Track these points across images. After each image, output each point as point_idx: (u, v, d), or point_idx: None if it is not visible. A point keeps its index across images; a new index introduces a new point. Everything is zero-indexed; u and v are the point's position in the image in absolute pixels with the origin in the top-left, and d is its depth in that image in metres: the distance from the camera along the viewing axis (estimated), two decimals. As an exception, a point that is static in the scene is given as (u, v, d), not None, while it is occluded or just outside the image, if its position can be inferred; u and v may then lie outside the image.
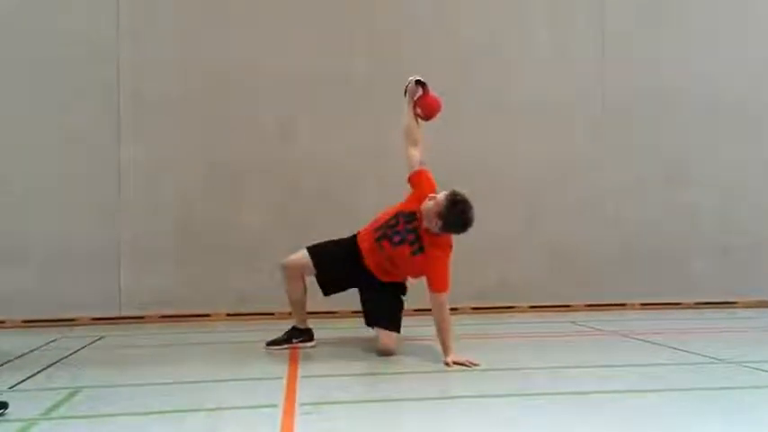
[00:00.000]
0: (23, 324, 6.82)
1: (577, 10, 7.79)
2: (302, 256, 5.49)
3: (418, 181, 5.39)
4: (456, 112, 7.44)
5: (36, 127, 6.96)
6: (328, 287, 5.56)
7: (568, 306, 7.56)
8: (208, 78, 7.20)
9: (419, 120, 5.41)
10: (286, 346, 5.53)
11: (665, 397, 4.12)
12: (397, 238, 5.24)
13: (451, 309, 6.85)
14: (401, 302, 5.51)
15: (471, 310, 7.33)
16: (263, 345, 5.58)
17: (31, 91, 6.98)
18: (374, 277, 5.42)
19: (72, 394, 4.19)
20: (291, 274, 5.49)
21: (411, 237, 5.19)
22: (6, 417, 3.71)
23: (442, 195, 5.02)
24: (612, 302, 7.62)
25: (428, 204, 5.07)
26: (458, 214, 4.97)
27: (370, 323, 5.50)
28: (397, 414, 3.89)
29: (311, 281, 5.56)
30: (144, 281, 7.06)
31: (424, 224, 5.12)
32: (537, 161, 7.61)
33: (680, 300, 7.74)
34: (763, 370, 4.71)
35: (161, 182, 7.14)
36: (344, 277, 5.48)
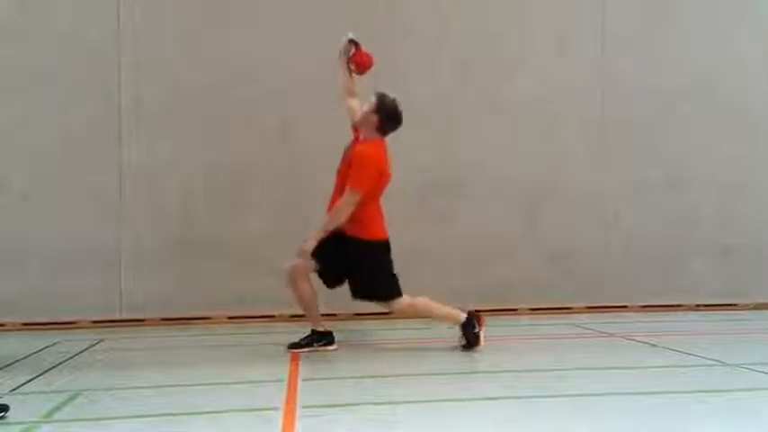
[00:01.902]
0: (24, 327, 6.82)
1: (577, 11, 7.78)
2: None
3: None
4: (456, 114, 7.49)
5: (36, 128, 6.95)
6: (329, 277, 5.55)
7: (569, 308, 7.55)
8: (208, 79, 7.18)
9: (353, 75, 5.83)
10: (308, 349, 5.51)
11: (666, 399, 4.11)
12: (340, 164, 5.54)
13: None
14: (390, 268, 5.52)
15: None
16: (269, 346, 5.59)
17: (32, 92, 6.96)
18: (355, 245, 5.40)
19: (72, 397, 4.18)
20: (297, 274, 5.51)
21: (348, 152, 5.51)
22: (7, 420, 3.70)
23: (371, 99, 5.50)
24: (613, 304, 7.60)
25: (362, 111, 5.51)
26: (391, 102, 5.47)
27: (359, 296, 5.55)
28: (398, 416, 3.88)
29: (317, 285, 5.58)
30: (144, 283, 7.04)
31: (362, 135, 5.52)
32: (537, 162, 7.60)
33: (680, 302, 7.73)
34: (763, 372, 4.70)
35: (162, 184, 7.13)
36: (339, 256, 5.44)
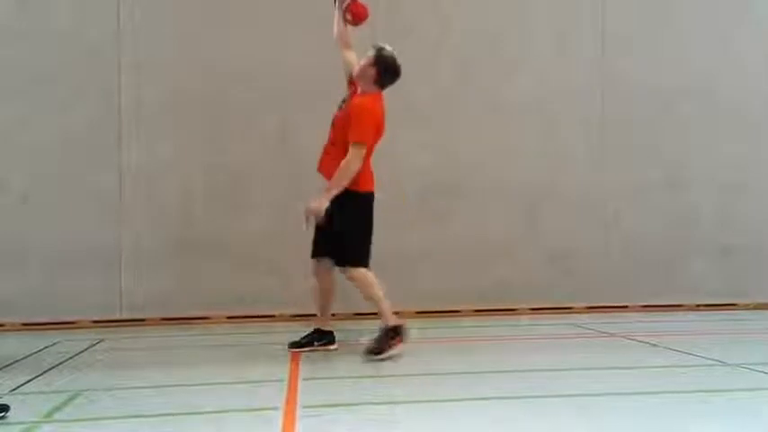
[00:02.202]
0: (24, 327, 6.81)
1: (577, 11, 7.77)
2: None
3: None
4: (456, 115, 7.49)
5: (36, 128, 6.94)
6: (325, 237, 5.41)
7: (569, 308, 7.54)
8: (208, 80, 7.18)
9: (348, 25, 5.74)
10: (308, 348, 5.49)
11: (666, 399, 4.11)
12: (335, 116, 5.49)
13: (453, 311, 6.91)
14: (365, 227, 5.37)
15: (472, 313, 7.30)
16: (269, 346, 5.58)
17: (32, 92, 6.96)
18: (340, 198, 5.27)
19: (72, 397, 4.18)
20: (315, 269, 5.49)
21: (344, 105, 5.46)
22: (7, 420, 3.71)
23: (369, 52, 5.41)
24: (613, 304, 7.60)
25: (360, 64, 5.42)
26: (389, 54, 5.41)
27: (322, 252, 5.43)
28: (398, 416, 3.88)
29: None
30: (144, 283, 7.04)
31: (360, 88, 5.44)
32: (537, 163, 7.59)
33: (681, 301, 7.72)
34: (764, 372, 4.70)
35: (162, 184, 7.12)
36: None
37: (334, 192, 5.15)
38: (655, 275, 7.69)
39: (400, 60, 5.44)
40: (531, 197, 7.59)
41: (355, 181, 5.28)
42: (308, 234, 6.86)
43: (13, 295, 6.80)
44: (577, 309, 7.55)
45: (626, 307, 7.64)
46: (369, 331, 5.86)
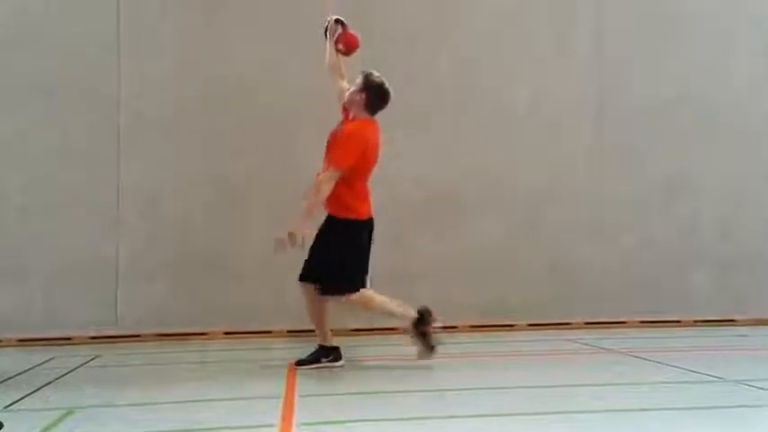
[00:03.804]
0: (19, 343, 6.76)
1: (577, 20, 7.78)
2: None
3: None
4: (455, 129, 7.48)
5: (35, 142, 6.94)
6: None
7: (568, 324, 7.51)
8: (208, 94, 7.18)
9: (340, 55, 5.75)
10: (315, 366, 5.45)
11: (666, 415, 4.09)
12: (326, 145, 5.49)
13: (450, 327, 6.88)
14: (359, 253, 5.39)
15: (470, 329, 7.27)
16: (265, 362, 5.54)
17: (31, 105, 6.96)
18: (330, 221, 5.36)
19: (67, 414, 4.15)
20: (303, 291, 5.47)
21: (337, 131, 5.47)
22: (1, 437, 3.68)
23: (357, 78, 5.46)
24: (612, 320, 7.57)
25: (349, 91, 5.48)
26: (377, 79, 5.43)
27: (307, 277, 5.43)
28: (395, 434, 3.86)
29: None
30: (141, 299, 7.01)
31: (351, 114, 5.49)
32: (536, 176, 7.59)
33: (679, 317, 7.69)
34: (763, 389, 4.68)
35: (160, 198, 7.11)
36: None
37: (307, 217, 5.12)
38: (654, 290, 7.67)
39: (388, 84, 5.48)
40: (529, 212, 7.58)
41: (347, 207, 5.32)
42: (306, 248, 6.89)
43: (8, 311, 6.78)
44: (576, 324, 7.51)
45: (624, 322, 7.61)
46: (365, 347, 5.86)
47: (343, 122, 5.55)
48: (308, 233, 5.03)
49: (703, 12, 7.92)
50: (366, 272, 5.40)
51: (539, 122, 7.63)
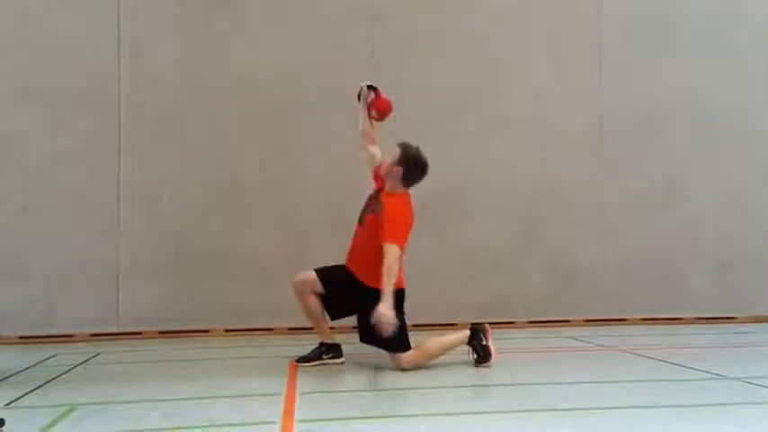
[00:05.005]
0: (20, 340, 6.78)
1: (576, 29, 7.80)
2: (310, 273, 5.52)
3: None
4: (456, 130, 7.49)
5: (35, 142, 6.95)
6: (335, 308, 5.53)
7: (568, 321, 7.53)
8: (208, 94, 7.20)
9: (373, 121, 5.71)
10: (317, 362, 5.48)
11: (666, 412, 4.10)
12: (362, 215, 5.46)
13: (450, 324, 6.90)
14: (402, 319, 5.47)
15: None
16: (266, 360, 5.55)
17: (31, 106, 6.96)
18: (372, 295, 5.39)
19: (69, 411, 4.16)
20: (302, 288, 5.49)
21: (374, 205, 5.41)
22: (3, 434, 3.69)
23: (394, 150, 5.37)
24: (612, 318, 7.58)
25: (385, 163, 5.40)
26: (414, 153, 5.34)
27: (367, 341, 5.47)
28: (395, 431, 3.86)
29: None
30: (142, 296, 7.03)
31: (387, 187, 5.42)
32: (536, 177, 7.61)
33: (680, 315, 7.71)
34: (763, 386, 4.69)
35: (160, 198, 7.11)
36: (349, 296, 5.44)
37: (390, 295, 5.00)
38: (654, 289, 7.69)
39: (422, 152, 5.37)
40: (530, 212, 7.60)
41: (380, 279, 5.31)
42: (307, 249, 6.91)
43: (10, 308, 6.79)
44: (576, 322, 7.53)
45: (625, 320, 7.63)
46: (367, 345, 5.84)
47: (378, 195, 5.45)
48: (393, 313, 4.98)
49: (703, 12, 7.94)
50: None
51: (539, 123, 7.65)
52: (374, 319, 4.89)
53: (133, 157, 7.09)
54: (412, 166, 5.34)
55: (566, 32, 7.78)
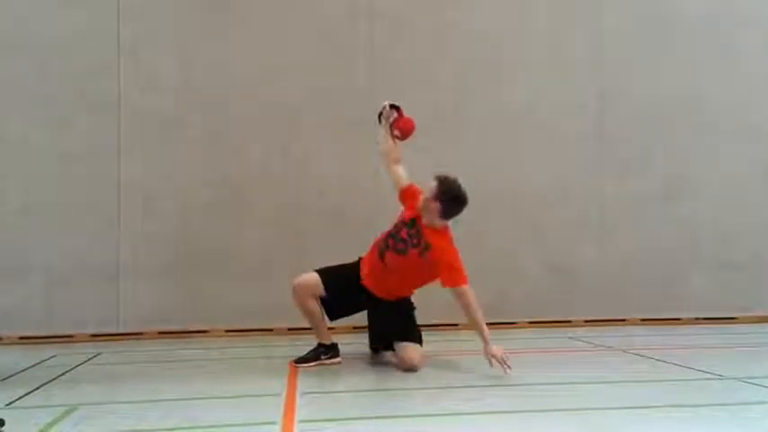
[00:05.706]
0: (21, 340, 6.79)
1: (576, 25, 7.79)
2: (312, 275, 5.52)
3: (411, 193, 5.53)
4: (456, 131, 7.49)
5: (36, 143, 6.94)
6: (335, 310, 5.57)
7: (568, 321, 7.52)
8: (208, 94, 7.19)
9: (396, 141, 5.63)
10: (314, 363, 5.47)
11: (666, 412, 4.10)
12: (401, 246, 5.33)
13: (450, 325, 6.91)
14: (414, 317, 5.52)
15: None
16: (267, 360, 5.56)
17: (32, 107, 6.97)
18: (379, 299, 5.43)
19: (69, 411, 4.16)
20: (302, 292, 5.49)
21: (415, 240, 5.29)
22: (3, 434, 3.69)
23: (431, 183, 5.25)
24: (612, 318, 7.58)
25: (423, 196, 5.29)
26: (453, 188, 5.22)
27: (380, 342, 5.53)
28: (396, 431, 3.85)
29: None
30: (142, 296, 7.02)
31: (424, 220, 5.29)
32: (536, 177, 7.60)
33: (680, 315, 7.71)
34: (764, 386, 4.69)
35: (160, 199, 7.12)
36: (351, 298, 5.49)
37: (485, 329, 5.12)
38: (654, 289, 7.68)
39: (461, 182, 5.30)
40: (530, 212, 7.59)
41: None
42: (307, 250, 6.91)
43: (10, 308, 6.79)
44: (576, 322, 7.53)
45: (625, 320, 7.63)
46: (367, 345, 5.85)
47: (415, 222, 5.35)
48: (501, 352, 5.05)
49: (703, 12, 7.93)
50: None
51: (539, 123, 7.64)
52: (492, 364, 4.98)
53: (133, 157, 7.09)
54: (450, 202, 5.23)
55: (566, 32, 7.77)
